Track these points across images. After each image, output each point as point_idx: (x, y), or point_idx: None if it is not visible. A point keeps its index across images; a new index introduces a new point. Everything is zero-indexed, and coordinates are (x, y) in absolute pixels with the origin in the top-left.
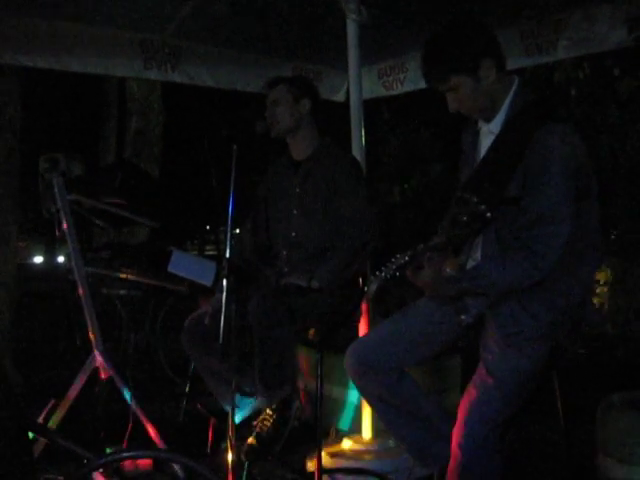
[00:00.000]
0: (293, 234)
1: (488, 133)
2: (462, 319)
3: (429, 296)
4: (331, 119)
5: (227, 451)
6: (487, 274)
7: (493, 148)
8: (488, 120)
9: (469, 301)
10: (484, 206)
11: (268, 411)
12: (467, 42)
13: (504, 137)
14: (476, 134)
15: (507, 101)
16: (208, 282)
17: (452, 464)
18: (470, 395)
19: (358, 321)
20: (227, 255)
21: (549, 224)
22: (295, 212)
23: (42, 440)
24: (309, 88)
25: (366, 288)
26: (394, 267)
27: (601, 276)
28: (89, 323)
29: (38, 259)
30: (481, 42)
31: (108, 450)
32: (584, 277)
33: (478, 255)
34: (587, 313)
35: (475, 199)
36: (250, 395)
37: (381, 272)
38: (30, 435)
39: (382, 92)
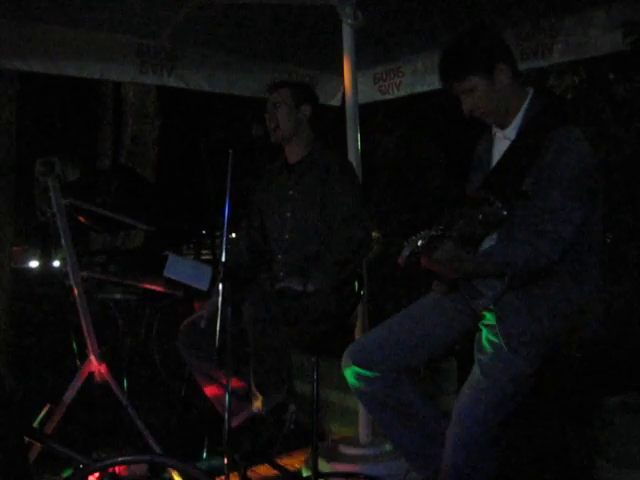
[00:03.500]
0: (287, 237)
1: (503, 139)
2: (478, 303)
3: (435, 289)
4: (326, 123)
5: (223, 455)
6: (501, 252)
7: (509, 151)
8: (503, 126)
9: (479, 285)
10: (501, 204)
11: (264, 415)
12: (482, 45)
13: (520, 141)
14: (490, 140)
15: (523, 109)
16: (204, 286)
17: (445, 464)
18: (464, 396)
19: (354, 325)
20: (223, 259)
21: (560, 212)
22: (289, 215)
23: (37, 445)
24: (311, 94)
25: (403, 250)
26: (426, 236)
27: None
28: (84, 327)
29: (34, 264)
30: (495, 46)
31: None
32: (587, 284)
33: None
34: (588, 319)
35: (492, 198)
36: (246, 399)
37: (414, 239)
38: (25, 440)
39: (378, 96)
